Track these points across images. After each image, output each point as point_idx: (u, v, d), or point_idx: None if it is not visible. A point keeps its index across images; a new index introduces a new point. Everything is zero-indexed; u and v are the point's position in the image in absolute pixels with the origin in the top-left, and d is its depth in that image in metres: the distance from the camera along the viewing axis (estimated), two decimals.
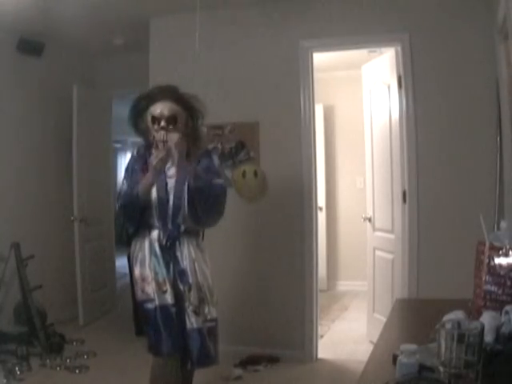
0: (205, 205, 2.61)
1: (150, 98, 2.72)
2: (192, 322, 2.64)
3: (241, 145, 4.21)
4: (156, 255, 2.65)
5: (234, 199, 4.10)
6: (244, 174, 4.14)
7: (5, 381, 3.62)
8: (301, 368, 3.96)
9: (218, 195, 2.67)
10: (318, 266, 4.18)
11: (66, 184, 5.07)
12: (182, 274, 2.66)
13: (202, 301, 2.69)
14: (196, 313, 2.65)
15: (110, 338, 4.72)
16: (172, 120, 2.66)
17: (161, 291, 2.62)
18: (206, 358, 2.70)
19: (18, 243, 4.30)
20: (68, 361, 4.06)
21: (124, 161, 10.59)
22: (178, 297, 2.64)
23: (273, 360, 4.03)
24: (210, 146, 4.21)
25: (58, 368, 3.94)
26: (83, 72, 5.53)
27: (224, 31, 4.23)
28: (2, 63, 4.56)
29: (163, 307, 2.60)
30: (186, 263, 2.67)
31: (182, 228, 2.69)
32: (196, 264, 2.70)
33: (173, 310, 2.61)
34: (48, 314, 4.54)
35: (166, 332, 2.58)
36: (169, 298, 2.61)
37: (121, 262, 6.14)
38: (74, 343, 4.47)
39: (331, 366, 4.00)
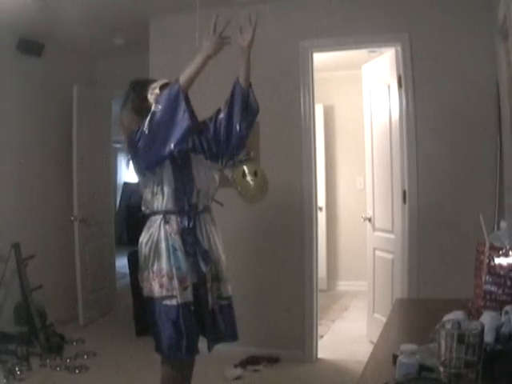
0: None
1: (146, 81, 2.71)
2: (210, 301, 2.58)
3: None
4: (176, 248, 2.50)
5: (234, 199, 4.10)
6: (244, 174, 4.13)
7: (5, 381, 3.63)
8: (301, 368, 3.96)
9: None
10: (317, 265, 4.18)
11: (66, 184, 5.07)
12: (204, 254, 2.57)
13: (215, 278, 2.63)
14: (211, 292, 2.60)
15: (110, 338, 4.72)
16: None
17: (182, 288, 2.47)
18: (219, 336, 2.64)
19: (18, 243, 4.31)
20: (68, 361, 4.07)
21: (124, 161, 10.54)
22: (201, 280, 2.55)
23: (273, 360, 4.03)
24: None
25: (58, 368, 3.94)
26: (83, 72, 5.53)
27: (224, 31, 4.22)
28: (2, 63, 4.56)
29: (185, 305, 2.47)
30: (206, 243, 2.59)
31: (201, 207, 2.60)
32: (212, 241, 2.64)
33: (192, 308, 2.50)
34: (48, 314, 4.54)
35: (187, 331, 2.45)
36: (190, 296, 2.50)
37: (121, 262, 6.16)
38: (74, 343, 4.47)
39: (331, 366, 4.01)
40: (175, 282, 2.47)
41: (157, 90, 2.60)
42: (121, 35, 4.91)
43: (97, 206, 5.38)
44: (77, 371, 3.88)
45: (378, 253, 4.40)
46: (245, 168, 4.11)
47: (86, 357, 4.16)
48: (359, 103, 4.79)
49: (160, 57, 4.42)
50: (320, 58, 4.44)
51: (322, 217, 5.94)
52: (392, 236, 4.12)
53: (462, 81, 3.71)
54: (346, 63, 5.62)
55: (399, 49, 3.87)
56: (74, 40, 4.99)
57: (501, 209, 3.47)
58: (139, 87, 2.68)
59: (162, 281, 2.49)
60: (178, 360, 2.55)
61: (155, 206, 2.58)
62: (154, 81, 2.71)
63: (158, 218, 2.56)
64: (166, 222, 2.53)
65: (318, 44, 4.12)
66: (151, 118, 2.44)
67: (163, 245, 2.51)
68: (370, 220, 4.50)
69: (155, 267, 2.51)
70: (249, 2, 4.11)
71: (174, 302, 2.46)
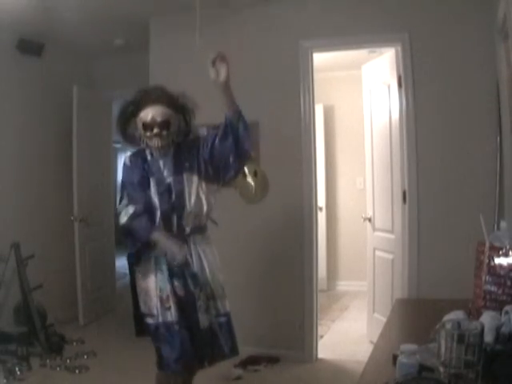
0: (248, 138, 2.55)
1: (139, 103, 2.58)
2: (203, 320, 2.60)
3: None
4: (161, 270, 2.58)
5: (234, 199, 4.11)
6: (244, 175, 4.14)
7: (5, 381, 3.63)
8: (301, 368, 3.96)
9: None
10: (317, 266, 4.18)
11: (66, 184, 5.07)
12: (193, 277, 2.61)
13: (211, 297, 2.65)
14: (206, 310, 2.62)
15: (110, 338, 4.72)
16: (165, 125, 2.55)
17: (163, 308, 2.55)
18: (220, 354, 2.66)
19: (18, 243, 4.30)
20: (68, 361, 4.07)
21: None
22: (190, 299, 2.59)
23: (273, 360, 4.03)
24: None
25: (58, 368, 3.94)
26: (83, 72, 5.53)
27: (224, 31, 4.23)
28: (2, 63, 4.56)
29: (166, 324, 2.54)
30: (195, 265, 2.62)
31: (188, 230, 2.62)
32: (205, 262, 2.65)
33: (176, 327, 2.54)
34: (48, 314, 4.54)
35: (170, 349, 2.52)
36: (173, 315, 2.55)
37: (121, 262, 6.14)
38: (74, 343, 4.47)
39: (331, 366, 4.00)
40: (156, 302, 2.56)
41: (140, 125, 2.58)
42: (121, 35, 4.92)
43: (97, 206, 5.38)
44: (77, 371, 3.88)
45: (378, 253, 4.40)
46: (245, 168, 4.12)
47: (86, 357, 4.15)
48: (359, 103, 4.79)
49: (160, 57, 4.42)
50: (320, 58, 4.44)
51: (322, 217, 5.94)
52: (392, 236, 4.12)
53: (462, 81, 3.71)
54: (345, 63, 5.62)
55: (399, 49, 3.87)
56: (73, 40, 4.99)
57: (501, 209, 3.47)
58: (132, 108, 2.61)
59: (146, 298, 2.60)
60: (165, 373, 2.61)
61: None
62: (149, 96, 2.59)
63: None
64: (155, 246, 2.59)
65: (318, 44, 4.12)
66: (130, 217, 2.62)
67: (151, 265, 2.60)
68: (370, 220, 4.50)
69: (141, 284, 2.63)
70: (248, 2, 4.11)
71: (154, 320, 2.57)
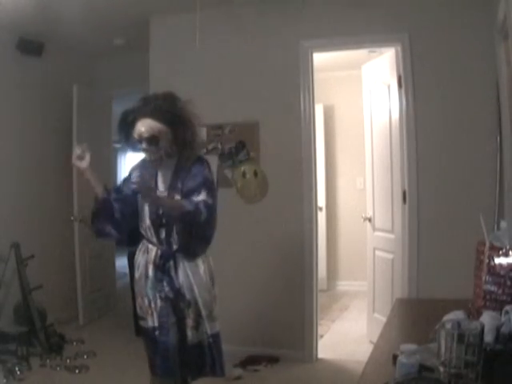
0: (191, 235, 2.54)
1: (133, 114, 2.55)
2: (192, 337, 2.62)
3: (241, 145, 4.21)
4: (148, 276, 2.62)
5: (234, 199, 4.11)
6: (244, 174, 4.14)
7: (5, 381, 3.63)
8: (301, 368, 3.96)
9: (196, 222, 2.46)
10: (317, 266, 4.18)
11: (66, 184, 5.06)
12: (179, 292, 2.61)
13: (199, 316, 2.65)
14: (195, 328, 2.63)
15: (110, 338, 4.72)
16: (153, 140, 2.49)
17: (147, 313, 2.62)
18: (204, 371, 2.69)
19: (18, 243, 4.30)
20: (68, 361, 4.07)
21: (124, 161, 10.56)
22: (180, 314, 2.61)
23: (273, 360, 4.03)
24: (210, 146, 4.22)
25: (58, 368, 3.95)
26: (83, 72, 5.53)
27: (224, 31, 4.23)
28: (2, 63, 4.55)
29: (149, 329, 2.61)
30: (181, 281, 2.61)
31: (175, 247, 2.60)
32: (192, 280, 2.63)
33: (156, 333, 2.59)
34: (48, 314, 4.54)
35: (153, 353, 2.61)
36: (154, 321, 2.60)
37: (121, 262, 6.15)
38: (74, 343, 4.47)
39: (331, 366, 4.00)
40: (146, 306, 2.63)
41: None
42: (121, 35, 4.91)
43: None
44: (77, 371, 3.89)
45: (378, 253, 4.40)
46: (245, 168, 4.13)
47: (86, 357, 4.16)
48: (359, 103, 4.79)
49: (160, 57, 4.42)
50: (320, 58, 4.44)
51: (322, 217, 5.94)
52: (392, 236, 4.12)
53: (462, 81, 3.72)
54: (345, 63, 5.62)
55: (399, 49, 3.87)
56: (73, 40, 4.99)
57: (501, 209, 3.47)
58: (130, 118, 2.58)
59: (139, 301, 2.68)
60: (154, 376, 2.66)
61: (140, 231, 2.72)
62: (143, 109, 2.54)
63: (144, 245, 2.69)
64: (147, 251, 2.65)
65: (318, 44, 4.12)
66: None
67: (141, 270, 2.66)
68: (370, 220, 4.50)
69: (136, 287, 2.72)
70: (249, 2, 4.11)
71: (145, 323, 2.65)
